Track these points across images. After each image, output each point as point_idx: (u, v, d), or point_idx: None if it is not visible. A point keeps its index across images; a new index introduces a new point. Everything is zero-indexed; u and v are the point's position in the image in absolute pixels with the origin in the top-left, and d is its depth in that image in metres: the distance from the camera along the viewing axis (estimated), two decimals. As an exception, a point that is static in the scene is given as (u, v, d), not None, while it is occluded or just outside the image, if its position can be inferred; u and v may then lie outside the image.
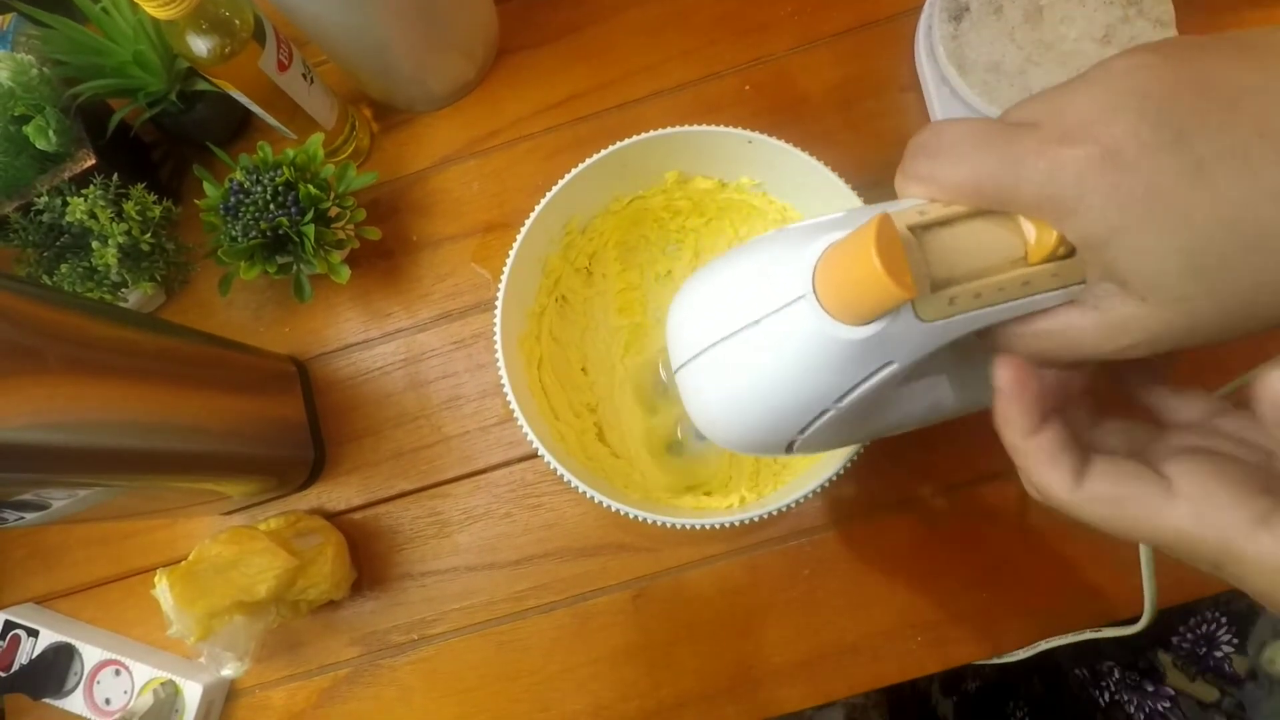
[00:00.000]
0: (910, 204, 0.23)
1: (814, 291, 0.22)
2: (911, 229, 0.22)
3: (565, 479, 0.38)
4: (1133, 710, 0.46)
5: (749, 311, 0.24)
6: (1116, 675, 0.48)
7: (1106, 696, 0.48)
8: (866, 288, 0.20)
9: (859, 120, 0.51)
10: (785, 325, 0.23)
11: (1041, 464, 0.23)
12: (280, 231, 0.45)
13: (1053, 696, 0.54)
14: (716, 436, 0.29)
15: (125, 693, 0.48)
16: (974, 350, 0.25)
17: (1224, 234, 0.18)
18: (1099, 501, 0.22)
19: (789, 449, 0.28)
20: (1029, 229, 0.21)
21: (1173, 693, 0.44)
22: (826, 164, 0.41)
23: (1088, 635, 0.40)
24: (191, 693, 0.47)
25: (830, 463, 0.39)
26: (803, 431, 0.26)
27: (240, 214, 0.45)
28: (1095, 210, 0.19)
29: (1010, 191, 0.21)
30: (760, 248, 0.26)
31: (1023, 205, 0.21)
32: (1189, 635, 0.43)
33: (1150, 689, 0.45)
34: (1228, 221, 0.18)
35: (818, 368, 0.23)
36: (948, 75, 0.46)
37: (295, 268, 0.48)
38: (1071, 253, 0.21)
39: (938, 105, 0.48)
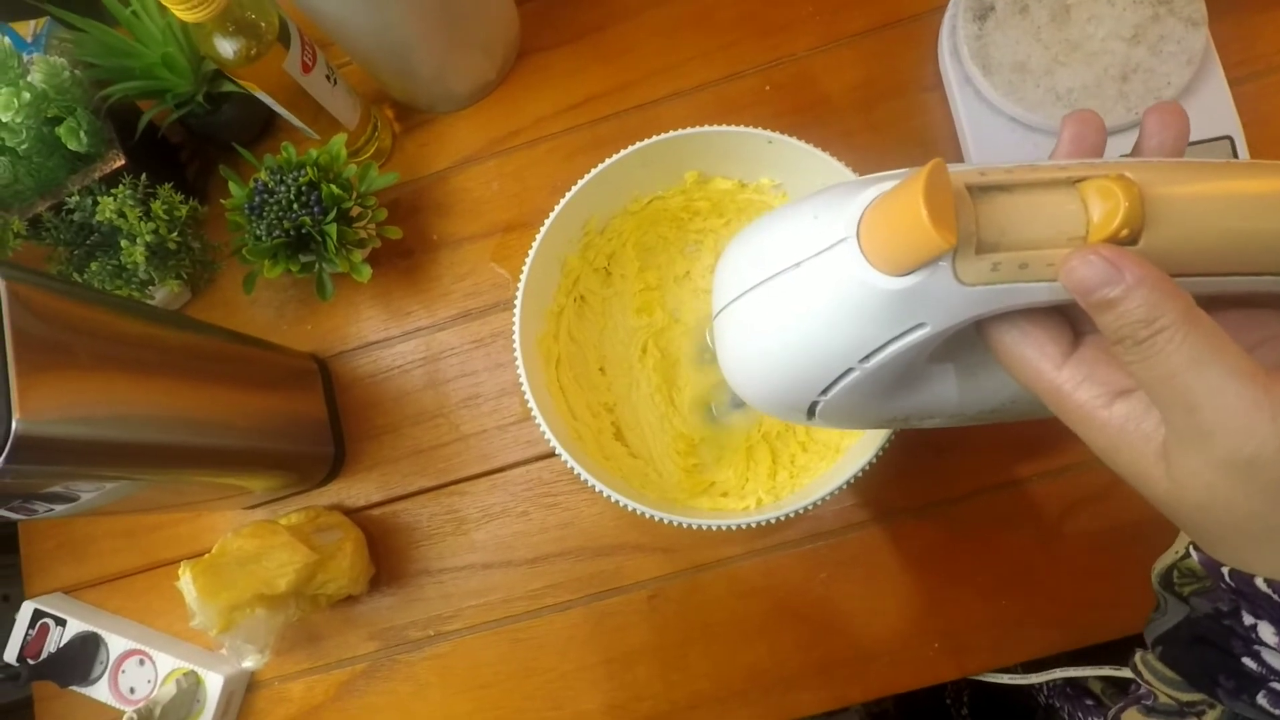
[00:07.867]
0: (974, 165, 0.22)
1: (857, 235, 0.22)
2: (970, 188, 0.21)
3: (582, 478, 0.38)
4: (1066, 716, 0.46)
5: (793, 254, 0.24)
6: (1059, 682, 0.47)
7: (1041, 699, 0.48)
8: (907, 232, 0.20)
9: (881, 121, 0.51)
10: (824, 269, 0.23)
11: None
12: (303, 231, 0.46)
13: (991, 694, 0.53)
14: (740, 387, 0.28)
15: (149, 682, 0.49)
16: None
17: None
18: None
19: (811, 414, 0.27)
20: (1095, 207, 0.20)
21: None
22: (848, 165, 0.40)
23: (1107, 672, 0.39)
24: (213, 683, 0.48)
25: (848, 466, 0.38)
26: (825, 392, 0.25)
27: (264, 213, 0.46)
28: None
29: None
30: (819, 195, 0.25)
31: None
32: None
33: (1089, 703, 0.44)
34: None
35: (849, 319, 0.23)
36: (972, 75, 0.46)
37: (318, 266, 0.49)
38: (1135, 239, 0.20)
39: (961, 106, 0.47)
